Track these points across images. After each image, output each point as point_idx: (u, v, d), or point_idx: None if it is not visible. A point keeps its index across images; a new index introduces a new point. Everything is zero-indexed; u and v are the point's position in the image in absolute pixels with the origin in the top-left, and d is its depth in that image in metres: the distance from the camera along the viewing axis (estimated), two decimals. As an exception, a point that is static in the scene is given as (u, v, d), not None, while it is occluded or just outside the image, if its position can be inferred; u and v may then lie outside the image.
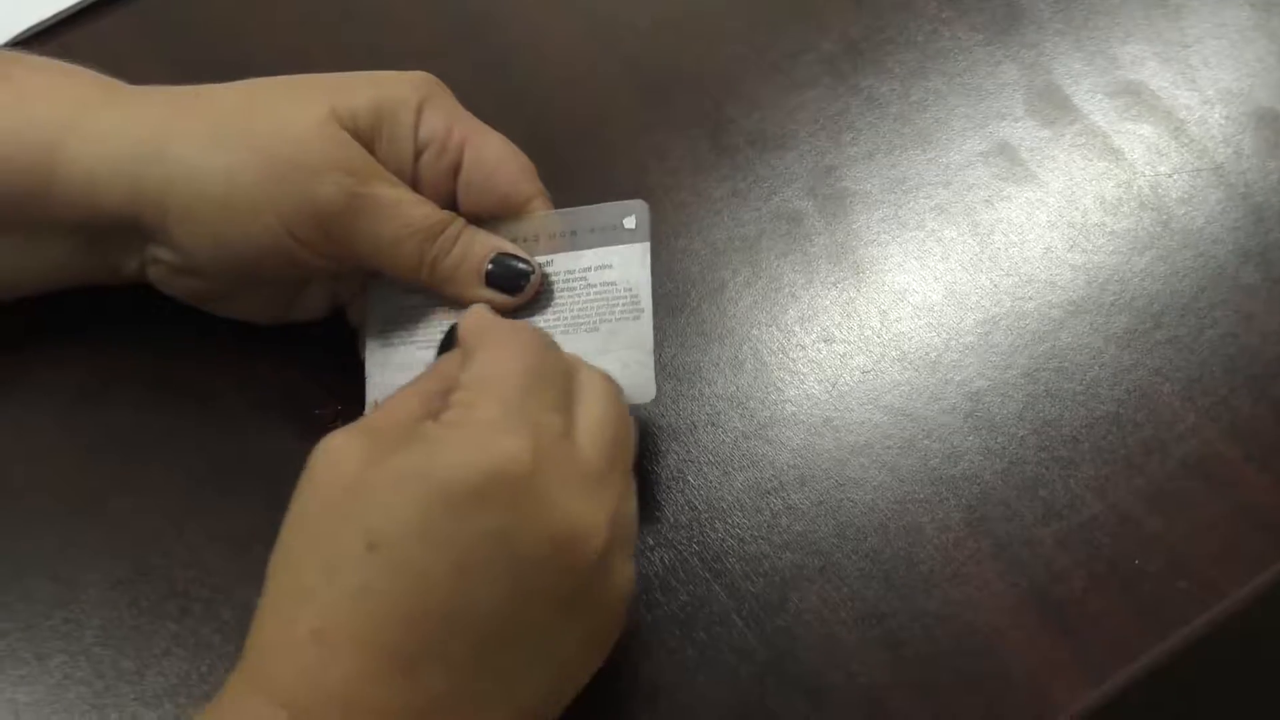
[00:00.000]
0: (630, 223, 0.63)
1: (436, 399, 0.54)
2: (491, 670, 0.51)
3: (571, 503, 0.52)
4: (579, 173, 0.72)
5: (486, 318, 0.59)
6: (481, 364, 0.55)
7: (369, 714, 0.50)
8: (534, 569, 0.51)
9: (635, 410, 0.61)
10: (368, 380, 0.64)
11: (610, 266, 0.63)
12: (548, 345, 0.57)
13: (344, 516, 0.51)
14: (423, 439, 0.52)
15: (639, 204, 0.63)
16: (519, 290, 0.63)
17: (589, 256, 0.63)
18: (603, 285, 0.63)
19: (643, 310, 0.62)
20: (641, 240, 0.63)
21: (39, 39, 0.77)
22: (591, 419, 0.55)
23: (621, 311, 0.62)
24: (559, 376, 0.55)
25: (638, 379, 0.61)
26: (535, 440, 0.52)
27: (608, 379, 0.57)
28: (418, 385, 0.56)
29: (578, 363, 0.58)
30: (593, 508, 0.52)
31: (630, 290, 0.62)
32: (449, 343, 0.60)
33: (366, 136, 0.62)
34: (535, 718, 0.54)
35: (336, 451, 0.53)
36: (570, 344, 0.60)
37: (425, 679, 0.50)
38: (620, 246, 0.63)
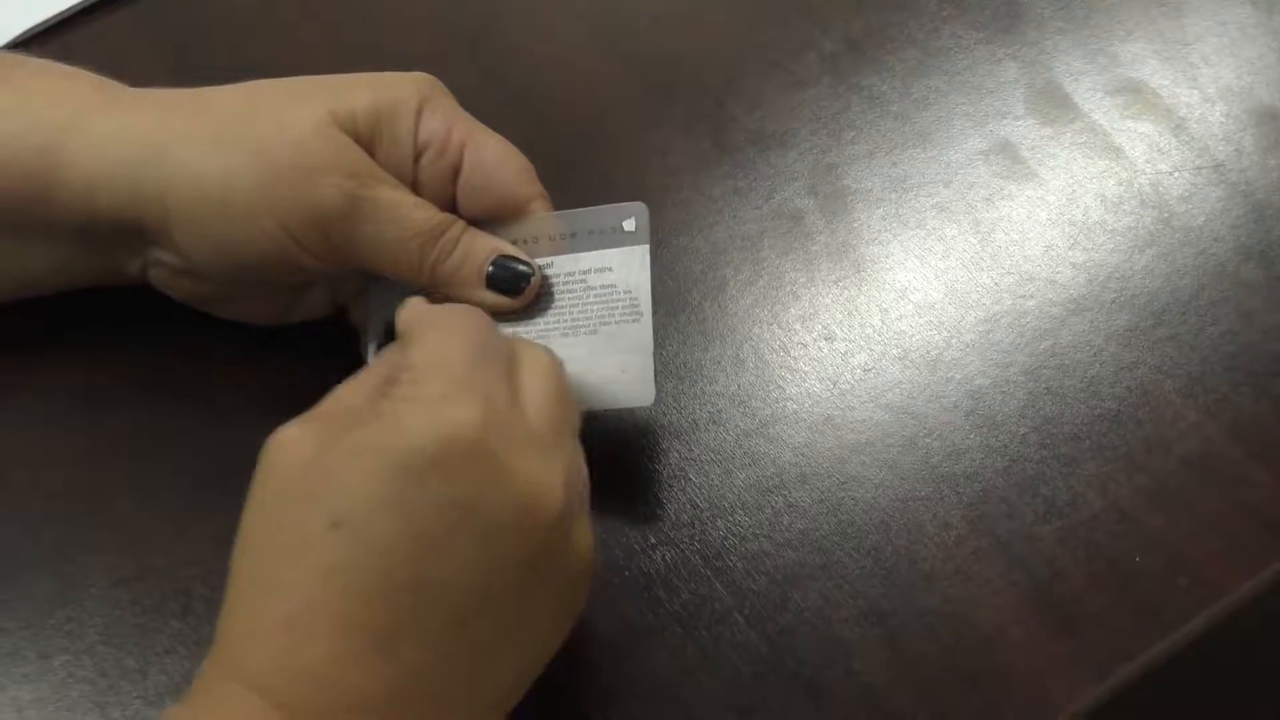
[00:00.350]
0: (630, 225, 0.63)
1: (384, 385, 0.54)
2: (466, 641, 0.51)
3: (527, 465, 0.52)
4: (580, 171, 0.72)
5: (423, 307, 0.58)
6: (425, 345, 0.55)
7: (348, 694, 0.50)
8: (498, 534, 0.51)
9: (635, 412, 0.61)
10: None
11: (610, 269, 0.63)
12: (487, 323, 0.57)
13: (303, 499, 0.51)
14: (375, 416, 0.52)
15: (639, 206, 0.63)
16: (519, 292, 0.63)
17: (588, 259, 0.63)
18: (602, 288, 0.63)
19: (642, 313, 0.62)
20: (641, 243, 0.63)
21: (40, 39, 0.77)
22: (535, 389, 0.55)
23: (621, 314, 0.62)
24: (500, 352, 0.56)
25: (637, 381, 0.61)
26: (486, 408, 0.52)
27: (547, 354, 0.57)
28: (362, 376, 0.56)
29: (516, 341, 0.58)
30: (548, 469, 0.53)
31: (630, 293, 0.62)
32: (389, 335, 0.59)
33: (366, 139, 0.62)
34: (511, 688, 0.54)
35: (288, 441, 0.53)
36: (570, 346, 0.60)
37: (402, 654, 0.50)
38: (620, 249, 0.63)
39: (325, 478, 0.51)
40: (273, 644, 0.50)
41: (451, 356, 0.54)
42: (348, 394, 0.55)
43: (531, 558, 0.52)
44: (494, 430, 0.52)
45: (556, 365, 0.57)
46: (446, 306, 0.59)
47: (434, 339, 0.55)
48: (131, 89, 0.65)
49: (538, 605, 0.53)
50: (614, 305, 0.62)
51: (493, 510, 0.51)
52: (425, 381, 0.53)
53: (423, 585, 0.50)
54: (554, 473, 0.53)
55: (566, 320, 0.63)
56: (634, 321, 0.62)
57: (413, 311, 0.58)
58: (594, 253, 0.63)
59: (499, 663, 0.53)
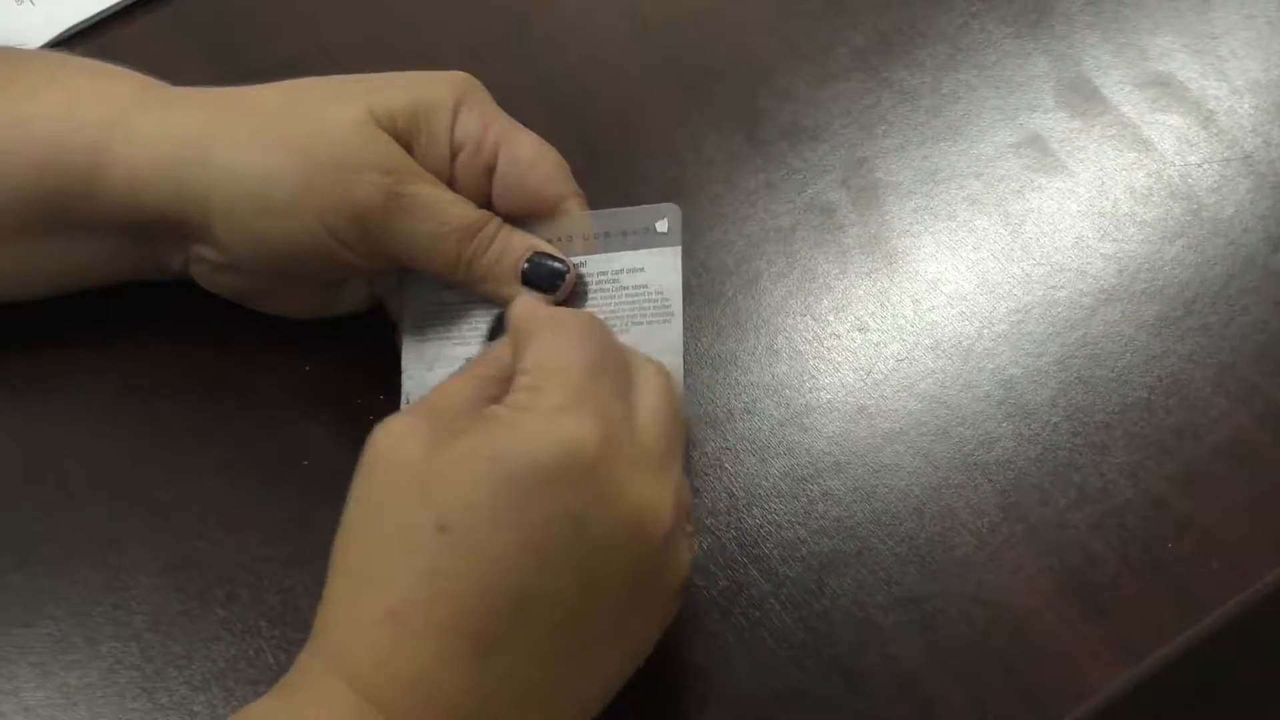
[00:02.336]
0: (663, 226, 0.64)
1: (491, 384, 0.55)
2: (561, 652, 0.51)
3: (639, 486, 0.52)
4: (614, 165, 0.73)
5: (537, 305, 0.58)
6: (541, 350, 0.55)
7: (441, 697, 0.50)
8: (604, 551, 0.51)
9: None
10: (404, 376, 0.65)
11: (642, 270, 0.63)
12: (605, 331, 0.57)
13: (413, 498, 0.51)
14: (492, 422, 0.52)
15: (672, 208, 0.64)
16: (555, 289, 0.63)
17: (621, 259, 0.64)
18: (634, 288, 0.63)
19: (673, 314, 0.62)
20: (673, 244, 0.63)
21: (80, 38, 0.78)
22: (650, 405, 0.55)
23: (652, 315, 0.63)
24: (617, 363, 0.56)
25: None
26: (603, 424, 0.52)
27: (662, 368, 0.57)
28: (472, 371, 0.56)
29: (632, 351, 0.58)
30: (658, 490, 0.53)
31: (661, 294, 0.63)
32: (497, 330, 0.60)
33: (404, 137, 0.62)
34: (598, 698, 0.54)
35: (398, 435, 0.53)
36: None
37: (497, 662, 0.50)
38: (653, 250, 0.63)
39: (436, 479, 0.51)
40: (373, 639, 0.50)
41: (569, 365, 0.54)
42: (456, 389, 0.55)
43: (634, 576, 0.53)
44: (608, 447, 0.52)
45: (671, 381, 0.57)
46: (562, 310, 0.59)
47: (551, 344, 0.55)
48: (174, 88, 0.66)
49: (633, 620, 0.54)
50: (645, 306, 0.63)
51: (601, 528, 0.51)
52: (542, 390, 0.53)
53: (524, 596, 0.50)
54: (664, 493, 0.53)
55: (600, 318, 0.63)
56: (665, 322, 0.62)
57: (528, 310, 0.57)
58: (627, 253, 0.64)
59: (590, 674, 0.53)
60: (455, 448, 0.51)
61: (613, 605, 0.52)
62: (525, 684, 0.51)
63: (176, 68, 0.68)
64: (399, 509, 0.52)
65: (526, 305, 0.58)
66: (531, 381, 0.53)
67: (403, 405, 0.64)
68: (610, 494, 0.52)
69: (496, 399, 0.54)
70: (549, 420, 0.52)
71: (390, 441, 0.53)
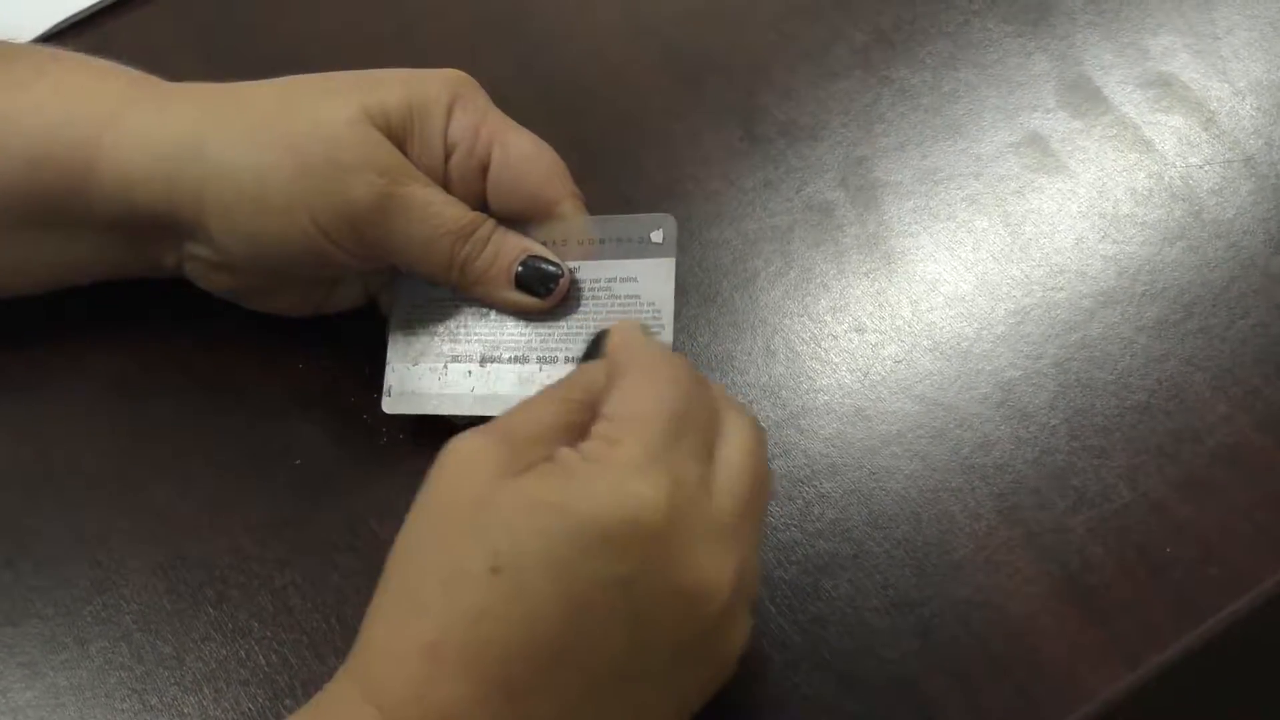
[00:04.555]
0: (658, 237, 0.63)
1: (575, 410, 0.53)
2: (597, 709, 0.51)
3: (700, 558, 0.51)
4: (612, 162, 0.73)
5: (638, 337, 0.55)
6: (628, 395, 0.53)
7: None
8: (654, 619, 0.50)
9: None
10: (387, 369, 0.65)
11: (635, 279, 0.63)
12: (697, 381, 0.54)
13: (470, 532, 0.50)
14: (561, 468, 0.51)
15: (667, 218, 0.63)
16: (548, 294, 0.63)
17: (614, 267, 0.63)
18: (627, 297, 0.63)
19: (664, 326, 0.62)
20: (668, 255, 0.63)
21: (75, 30, 0.78)
22: (731, 467, 0.53)
23: None
24: (704, 419, 0.53)
25: None
26: (673, 491, 0.50)
27: (754, 423, 0.55)
28: (559, 391, 0.54)
29: (723, 401, 0.55)
30: (721, 563, 0.51)
31: (653, 305, 0.62)
32: (592, 352, 0.57)
33: (399, 136, 0.62)
34: None
35: (469, 456, 0.51)
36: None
37: (531, 710, 0.49)
38: (646, 260, 0.63)
39: (496, 517, 0.50)
40: (411, 670, 0.49)
41: (652, 418, 0.52)
42: (539, 410, 0.53)
43: (683, 646, 0.51)
44: (675, 517, 0.50)
45: (760, 439, 0.55)
46: (660, 347, 0.56)
47: (639, 389, 0.53)
48: (167, 83, 0.65)
49: (677, 686, 0.53)
50: (636, 316, 0.62)
51: (654, 596, 0.50)
52: (620, 443, 0.51)
53: (566, 651, 0.49)
54: (727, 566, 0.51)
55: (590, 325, 0.63)
56: (655, 334, 0.62)
57: (627, 337, 0.55)
58: (620, 261, 0.63)
59: None
60: (521, 489, 0.50)
61: (657, 669, 0.51)
62: None
63: (171, 62, 0.67)
64: (455, 540, 0.50)
65: (626, 335, 0.55)
66: (610, 430, 0.52)
67: (383, 398, 0.64)
68: (668, 565, 0.50)
69: (578, 428, 0.52)
70: (620, 479, 0.50)
71: (461, 463, 0.52)
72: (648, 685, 0.52)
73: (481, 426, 0.52)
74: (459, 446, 0.52)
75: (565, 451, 0.51)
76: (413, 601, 0.51)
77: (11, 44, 0.70)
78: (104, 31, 0.77)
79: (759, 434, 0.55)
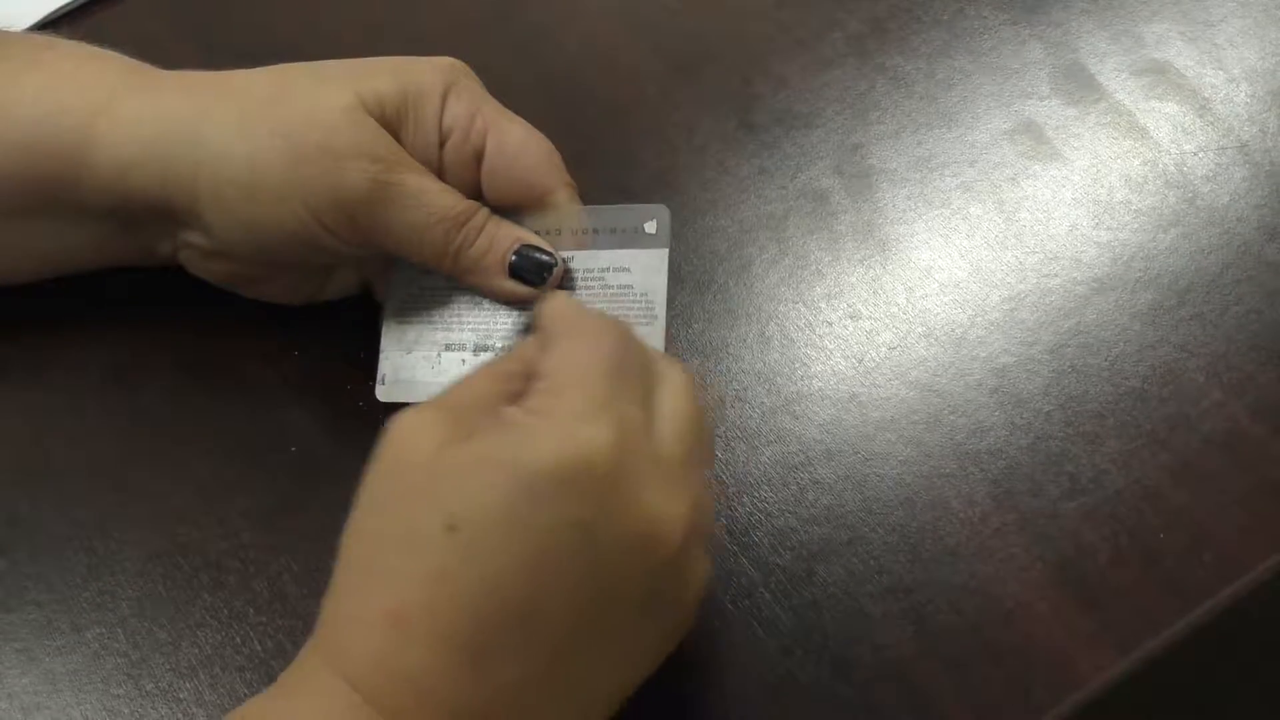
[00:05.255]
0: (651, 227, 0.63)
1: (513, 381, 0.54)
2: (565, 663, 0.51)
3: (652, 497, 0.51)
4: (607, 150, 0.73)
5: (568, 304, 0.57)
6: (564, 353, 0.54)
7: (440, 700, 0.49)
8: (612, 563, 0.51)
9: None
10: (381, 357, 0.65)
11: (628, 270, 0.63)
12: (628, 337, 0.55)
13: (424, 496, 0.50)
14: (508, 425, 0.51)
15: (661, 209, 0.63)
16: (541, 282, 0.63)
17: (607, 257, 0.64)
18: (619, 288, 0.63)
19: (656, 316, 0.62)
20: (661, 246, 0.63)
21: (69, 19, 0.78)
22: (671, 412, 0.54)
23: (636, 316, 0.62)
24: (640, 368, 0.54)
25: None
26: (619, 433, 0.51)
27: (686, 372, 0.56)
28: (495, 366, 0.55)
29: (656, 354, 0.57)
30: (674, 502, 0.52)
31: (645, 295, 0.63)
32: (530, 328, 0.58)
33: (393, 123, 0.62)
34: (603, 708, 0.53)
35: (414, 428, 0.52)
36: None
37: (499, 671, 0.50)
38: (639, 250, 0.63)
39: (448, 479, 0.50)
40: (376, 638, 0.50)
41: (590, 371, 0.52)
42: (477, 384, 0.54)
43: (643, 590, 0.52)
44: (625, 457, 0.51)
45: (696, 386, 0.56)
46: (590, 313, 0.57)
47: (574, 348, 0.54)
48: (162, 71, 0.65)
49: (641, 634, 0.53)
50: (629, 306, 0.63)
51: (610, 539, 0.50)
52: (561, 395, 0.52)
53: (530, 607, 0.50)
54: (678, 505, 0.52)
55: None
56: (648, 324, 0.62)
57: (556, 310, 0.56)
58: (613, 251, 0.63)
59: (594, 686, 0.52)
60: (469, 449, 0.51)
61: (621, 617, 0.52)
62: (525, 691, 0.50)
63: (166, 51, 0.67)
64: (409, 506, 0.51)
65: (555, 305, 0.57)
66: (550, 386, 0.52)
67: (377, 386, 0.64)
68: (622, 506, 0.51)
69: (517, 396, 0.53)
70: (565, 427, 0.51)
71: (406, 435, 0.52)
72: (614, 640, 0.52)
73: (424, 402, 0.53)
74: (404, 420, 0.52)
75: (509, 410, 0.52)
76: (372, 571, 0.51)
77: (5, 32, 0.70)
78: (97, 20, 0.77)
79: (692, 380, 0.56)
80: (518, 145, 0.63)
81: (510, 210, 0.64)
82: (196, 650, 0.61)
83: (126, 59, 0.66)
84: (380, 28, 0.78)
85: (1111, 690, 0.59)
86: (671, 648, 0.55)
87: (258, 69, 0.64)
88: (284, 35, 0.77)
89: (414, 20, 0.78)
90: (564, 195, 0.64)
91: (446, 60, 0.64)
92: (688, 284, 0.69)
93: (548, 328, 0.55)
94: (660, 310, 0.62)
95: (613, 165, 0.72)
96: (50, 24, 0.77)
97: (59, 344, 0.68)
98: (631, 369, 0.54)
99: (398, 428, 0.52)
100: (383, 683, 0.49)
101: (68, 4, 0.78)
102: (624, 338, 0.55)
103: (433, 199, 0.62)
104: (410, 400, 0.64)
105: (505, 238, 0.63)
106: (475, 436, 0.51)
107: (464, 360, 0.64)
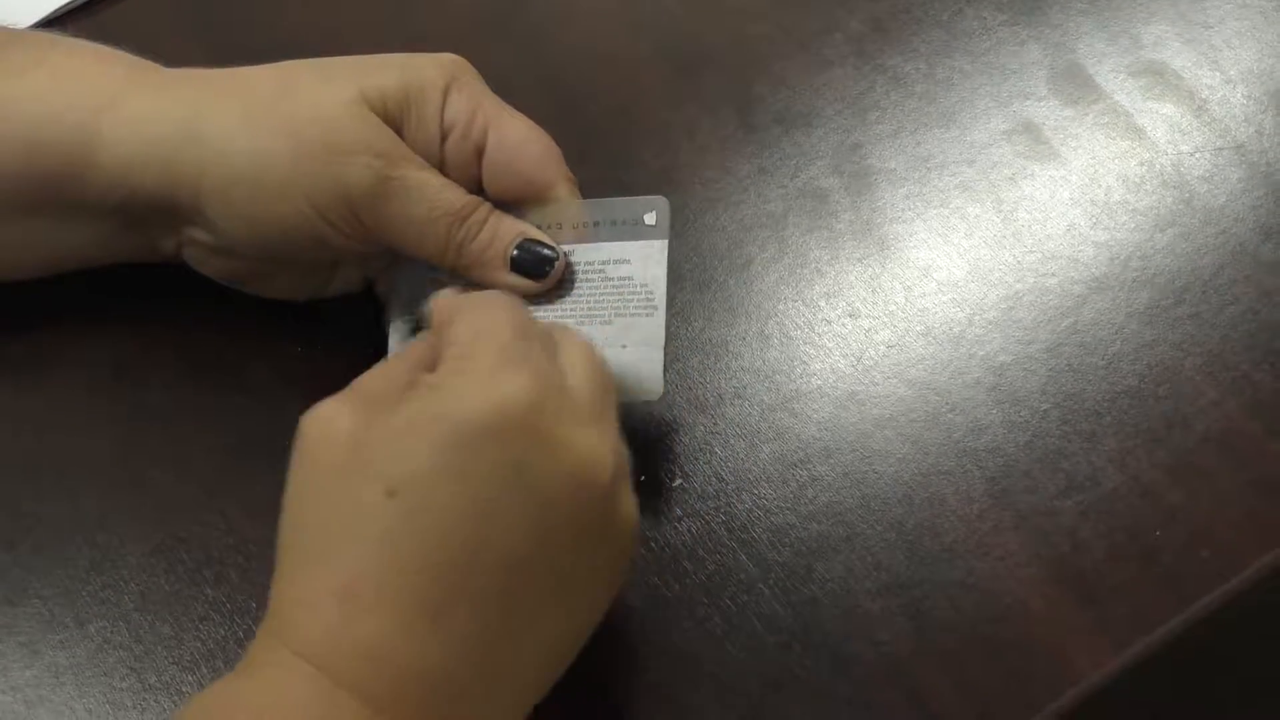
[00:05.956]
0: (651, 219, 0.64)
1: (422, 364, 0.55)
2: (517, 608, 0.52)
3: (579, 436, 0.53)
4: (608, 149, 0.73)
5: (457, 295, 0.59)
6: (468, 322, 0.55)
7: (400, 668, 0.50)
8: (551, 502, 0.52)
9: (648, 405, 0.62)
10: (389, 353, 0.65)
11: (628, 261, 0.63)
12: (521, 306, 0.57)
13: (356, 471, 0.51)
14: (428, 389, 0.52)
15: (660, 201, 0.64)
16: (543, 276, 0.63)
17: (608, 249, 0.64)
18: (620, 279, 0.63)
19: (656, 307, 0.62)
20: (660, 237, 0.63)
21: (72, 17, 0.78)
22: (577, 364, 0.56)
23: (636, 307, 0.63)
24: (540, 332, 0.56)
25: (647, 375, 0.62)
26: (535, 379, 0.52)
27: (582, 336, 0.58)
28: (394, 360, 0.57)
29: (550, 324, 0.59)
30: (596, 441, 0.53)
31: (646, 286, 0.63)
32: (418, 328, 0.60)
33: (395, 119, 0.63)
34: (558, 658, 0.54)
35: (327, 416, 0.53)
36: (584, 334, 0.61)
37: (452, 624, 0.50)
38: (639, 242, 0.63)
39: (379, 448, 0.51)
40: (326, 614, 0.50)
41: (496, 331, 0.54)
42: (381, 374, 0.55)
43: (582, 527, 0.53)
44: (545, 400, 0.52)
45: (592, 347, 0.58)
46: (479, 293, 0.59)
47: (476, 316, 0.55)
48: (165, 69, 0.66)
49: (585, 574, 0.54)
50: (629, 298, 0.63)
51: (546, 479, 0.52)
52: (474, 355, 0.53)
53: (476, 553, 0.51)
54: (604, 443, 0.54)
55: (583, 308, 0.63)
56: (648, 315, 0.62)
57: (447, 300, 0.58)
58: (614, 244, 0.64)
59: (546, 632, 0.53)
60: (395, 416, 0.52)
61: (564, 556, 0.53)
62: (482, 642, 0.51)
63: (169, 48, 0.68)
64: (344, 483, 0.52)
65: (445, 296, 0.59)
66: (461, 351, 0.54)
67: None
68: (551, 444, 0.52)
69: (429, 372, 0.54)
70: (484, 379, 0.52)
71: (321, 424, 0.53)
72: (559, 579, 0.53)
73: (330, 396, 0.54)
74: (317, 411, 0.54)
75: (426, 377, 0.53)
76: (316, 550, 0.52)
77: (10, 29, 0.70)
78: (100, 18, 0.77)
79: (589, 342, 0.58)
80: (518, 140, 0.64)
81: (511, 205, 0.64)
82: (199, 644, 0.61)
83: (130, 57, 0.66)
84: (381, 27, 0.78)
85: (1108, 686, 0.59)
86: (614, 592, 0.56)
87: (261, 66, 0.65)
88: (288, 34, 0.77)
89: (414, 20, 0.79)
90: (564, 190, 0.64)
91: (448, 56, 0.65)
92: (688, 282, 0.69)
93: (443, 316, 0.56)
94: (660, 301, 0.62)
95: (614, 165, 0.72)
96: (54, 21, 0.78)
97: (62, 340, 0.68)
98: (532, 330, 0.55)
99: (313, 419, 0.54)
100: (340, 654, 0.50)
101: (71, 2, 0.78)
102: (517, 305, 0.57)
103: (435, 194, 0.62)
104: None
105: (507, 232, 0.63)
106: (399, 406, 0.52)
107: None
